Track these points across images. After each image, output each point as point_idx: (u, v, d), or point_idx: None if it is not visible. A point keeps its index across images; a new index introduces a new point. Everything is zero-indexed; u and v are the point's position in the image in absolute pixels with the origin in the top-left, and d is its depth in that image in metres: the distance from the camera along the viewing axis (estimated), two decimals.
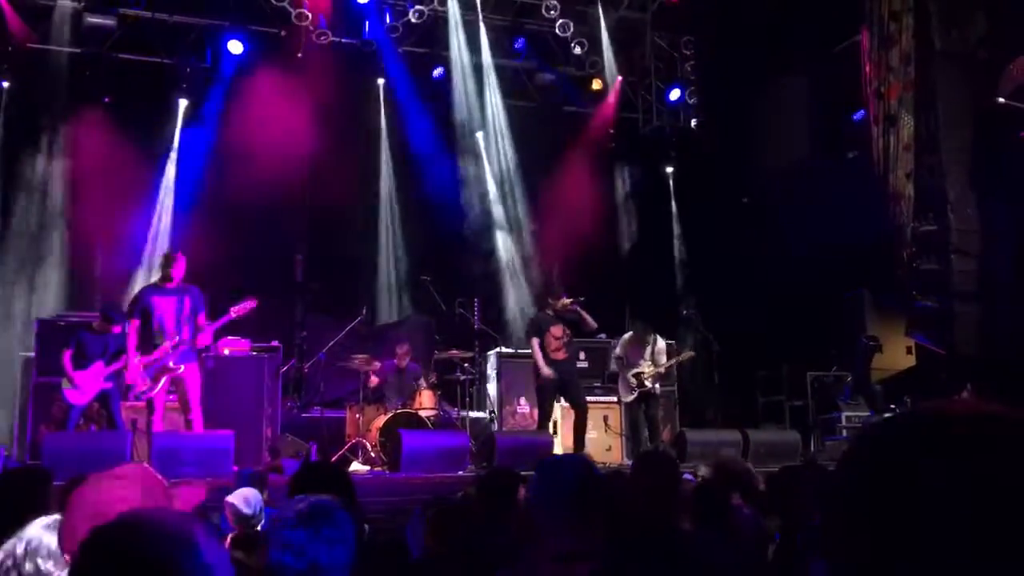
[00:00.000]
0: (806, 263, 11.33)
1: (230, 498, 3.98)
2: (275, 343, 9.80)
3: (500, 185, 13.54)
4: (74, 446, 7.27)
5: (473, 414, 10.28)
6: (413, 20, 12.09)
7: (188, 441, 7.48)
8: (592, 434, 9.52)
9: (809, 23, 11.72)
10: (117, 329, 8.06)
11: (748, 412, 11.78)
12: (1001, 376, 9.18)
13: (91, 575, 1.19)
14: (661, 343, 9.43)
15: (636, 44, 13.58)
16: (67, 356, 8.01)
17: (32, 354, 9.10)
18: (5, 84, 11.19)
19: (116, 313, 8.15)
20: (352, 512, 2.24)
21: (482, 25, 12.69)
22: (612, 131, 13.96)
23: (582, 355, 10.18)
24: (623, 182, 14.21)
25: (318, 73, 11.67)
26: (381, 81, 12.93)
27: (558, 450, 8.96)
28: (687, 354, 9.79)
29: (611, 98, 13.49)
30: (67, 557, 1.92)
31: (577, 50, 12.84)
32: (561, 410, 9.71)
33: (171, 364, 7.54)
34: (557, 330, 8.91)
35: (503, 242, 13.26)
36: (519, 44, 12.99)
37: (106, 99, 11.40)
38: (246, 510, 3.92)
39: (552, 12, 12.28)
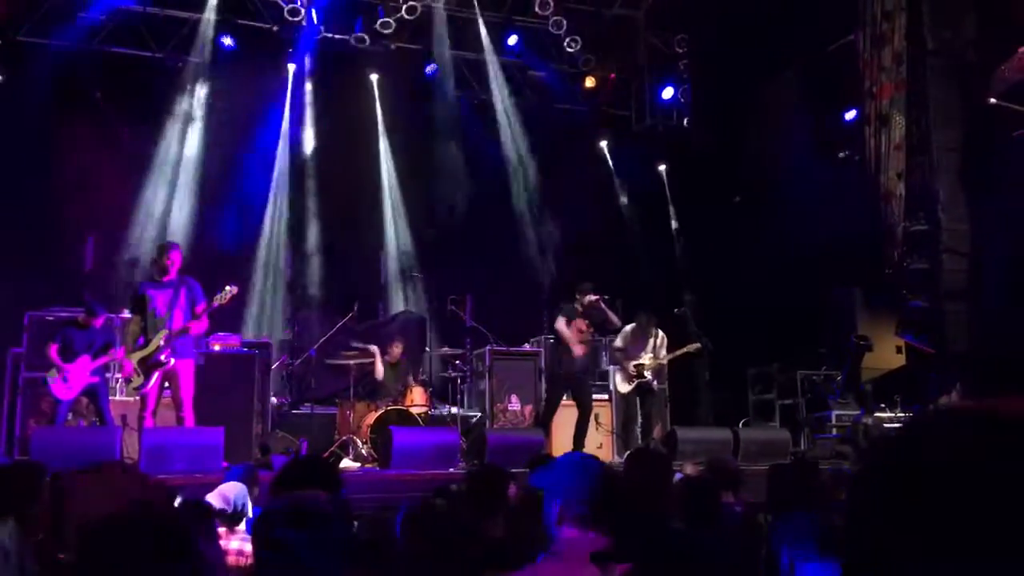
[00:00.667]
0: (797, 262, 11.35)
1: (209, 496, 3.98)
2: (266, 339, 9.78)
3: (494, 182, 13.54)
4: (63, 441, 7.22)
5: (464, 411, 10.27)
6: (406, 16, 12.07)
7: (178, 437, 7.44)
8: None
9: (802, 23, 11.73)
10: (99, 322, 8.03)
11: (739, 410, 11.81)
12: (991, 375, 9.21)
13: (94, 568, 1.18)
14: (663, 336, 9.47)
15: (629, 42, 13.58)
16: (53, 349, 8.02)
17: (21, 349, 9.06)
18: None
19: (98, 306, 8.13)
20: (341, 509, 2.23)
21: (481, 22, 12.68)
22: (605, 129, 13.97)
23: None
24: (615, 180, 14.21)
25: (309, 69, 11.65)
26: (375, 77, 12.92)
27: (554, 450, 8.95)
28: (694, 345, 9.71)
29: (604, 96, 13.50)
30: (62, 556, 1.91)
31: (570, 48, 12.84)
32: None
33: (164, 358, 7.50)
34: (582, 324, 8.94)
35: (494, 239, 13.25)
36: (512, 41, 12.96)
37: (97, 93, 11.35)
38: (222, 506, 3.92)
39: (546, 9, 12.29)
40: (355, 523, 3.52)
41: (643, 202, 14.04)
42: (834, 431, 10.54)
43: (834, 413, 10.78)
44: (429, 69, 12.88)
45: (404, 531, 2.98)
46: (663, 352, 9.37)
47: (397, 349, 10.10)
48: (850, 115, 12.01)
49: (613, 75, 13.45)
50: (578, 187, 13.10)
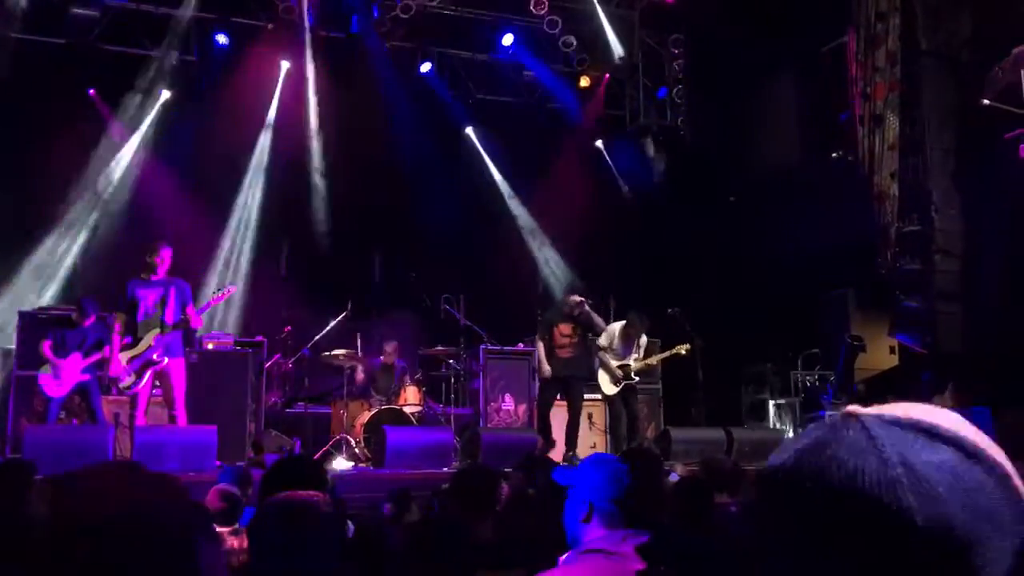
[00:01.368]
0: (791, 262, 11.36)
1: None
2: (259, 338, 9.75)
3: (489, 182, 13.53)
4: (55, 439, 7.21)
5: (458, 411, 10.26)
6: (401, 15, 12.03)
7: (171, 436, 7.43)
8: None
9: (797, 23, 11.75)
10: (90, 321, 8.01)
11: (732, 410, 11.82)
12: (983, 376, 9.24)
13: (94, 568, 1.17)
14: (644, 338, 9.40)
15: (624, 42, 13.57)
16: (46, 346, 8.01)
17: (12, 347, 9.03)
18: None
19: (90, 305, 8.10)
20: (334, 509, 2.23)
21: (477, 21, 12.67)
22: (599, 128, 13.97)
23: None
24: (609, 179, 14.21)
25: (304, 67, 11.62)
26: (369, 75, 12.88)
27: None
28: (683, 347, 9.57)
29: (598, 96, 13.50)
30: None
31: (565, 47, 12.84)
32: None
33: (155, 357, 7.48)
34: (566, 328, 8.90)
35: (488, 238, 13.25)
36: (507, 40, 12.93)
37: (91, 91, 11.31)
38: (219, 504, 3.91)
39: (541, 8, 12.28)
40: (349, 523, 3.51)
41: (637, 201, 14.03)
42: None
43: (827, 413, 10.78)
44: (424, 68, 12.86)
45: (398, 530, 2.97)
46: (641, 352, 9.32)
47: (391, 348, 10.09)
48: (844, 115, 12.02)
49: (608, 75, 13.44)
50: (572, 186, 13.10)
